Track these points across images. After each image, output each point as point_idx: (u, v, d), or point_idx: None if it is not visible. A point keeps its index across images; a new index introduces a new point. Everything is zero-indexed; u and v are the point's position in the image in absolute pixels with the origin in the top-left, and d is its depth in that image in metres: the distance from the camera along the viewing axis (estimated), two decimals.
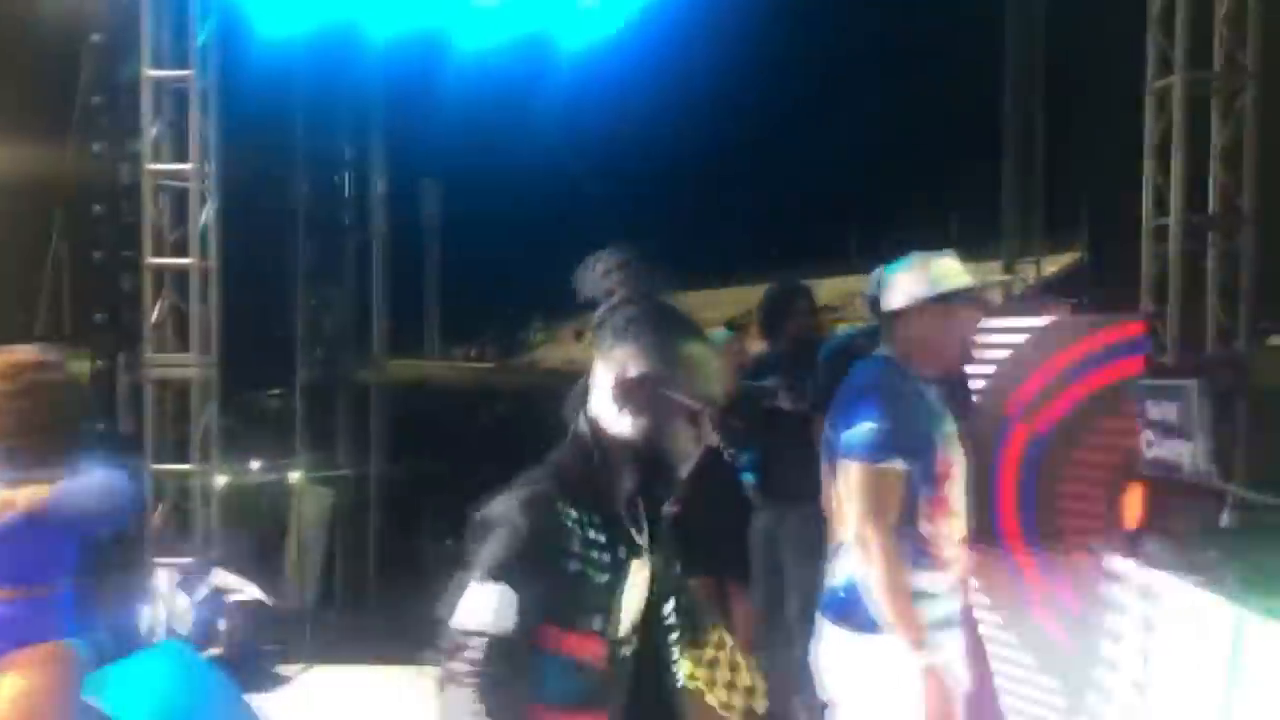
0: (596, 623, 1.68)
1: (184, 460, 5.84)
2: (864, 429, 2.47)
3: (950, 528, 2.54)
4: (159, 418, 5.90)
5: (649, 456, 1.72)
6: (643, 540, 1.75)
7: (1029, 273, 8.55)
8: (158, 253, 5.85)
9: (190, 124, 5.75)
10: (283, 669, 5.45)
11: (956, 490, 2.55)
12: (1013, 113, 8.04)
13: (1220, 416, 5.43)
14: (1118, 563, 2.88)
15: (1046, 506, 4.37)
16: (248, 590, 5.44)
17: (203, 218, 5.85)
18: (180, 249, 5.86)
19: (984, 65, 8.37)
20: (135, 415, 6.23)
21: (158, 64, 5.75)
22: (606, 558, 1.69)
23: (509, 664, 1.60)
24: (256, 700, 4.77)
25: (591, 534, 1.68)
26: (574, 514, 1.67)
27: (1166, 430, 2.89)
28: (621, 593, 1.71)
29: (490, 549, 1.63)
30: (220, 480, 6.05)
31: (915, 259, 2.62)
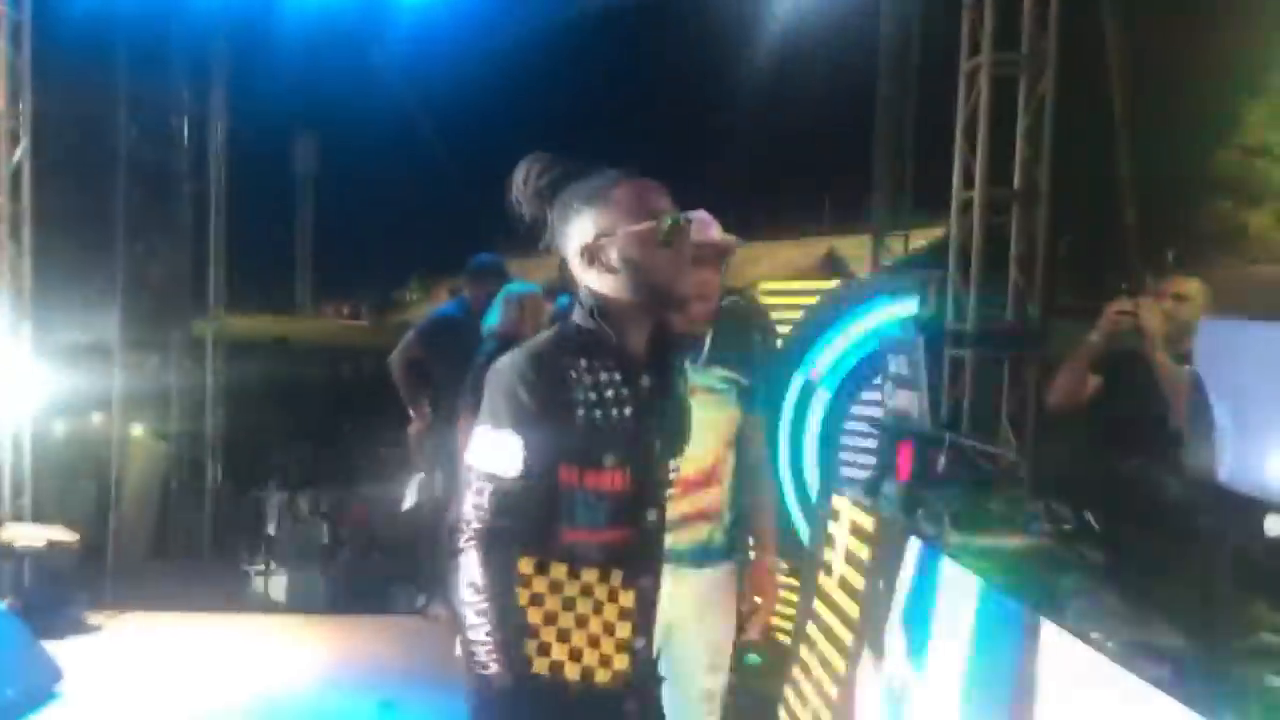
0: (611, 460, 1.82)
1: None
2: None
3: None
4: None
5: (646, 300, 1.85)
6: (654, 382, 1.88)
7: (898, 246, 8.75)
8: None
9: (0, 59, 5.54)
10: (91, 617, 5.38)
11: None
12: (886, 86, 8.19)
13: (1012, 382, 5.82)
14: (840, 504, 3.09)
15: (832, 456, 4.65)
16: (52, 537, 5.34)
17: (15, 158, 5.66)
18: None
19: (858, 39, 8.46)
20: None
21: None
22: (621, 401, 1.83)
23: (510, 514, 1.77)
24: (57, 648, 4.72)
25: (604, 379, 1.82)
26: (583, 363, 1.82)
27: (900, 382, 3.12)
28: (647, 430, 1.86)
29: (499, 399, 1.79)
30: (33, 430, 5.89)
31: None
